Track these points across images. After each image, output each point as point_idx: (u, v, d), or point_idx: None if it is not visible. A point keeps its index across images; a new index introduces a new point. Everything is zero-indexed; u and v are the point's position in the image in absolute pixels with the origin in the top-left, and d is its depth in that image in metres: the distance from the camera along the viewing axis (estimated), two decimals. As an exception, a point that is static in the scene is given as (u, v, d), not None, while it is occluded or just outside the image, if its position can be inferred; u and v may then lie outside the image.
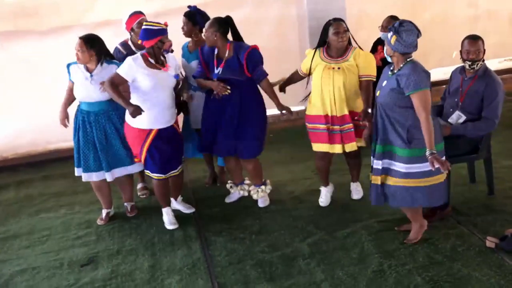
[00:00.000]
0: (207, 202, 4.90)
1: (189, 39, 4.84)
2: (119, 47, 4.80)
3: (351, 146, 4.34)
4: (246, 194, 4.81)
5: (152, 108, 4.15)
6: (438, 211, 4.15)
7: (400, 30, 3.48)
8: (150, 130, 4.21)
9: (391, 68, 3.70)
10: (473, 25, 7.23)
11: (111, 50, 4.59)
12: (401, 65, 3.59)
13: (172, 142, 4.33)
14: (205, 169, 5.39)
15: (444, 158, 3.63)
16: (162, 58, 4.20)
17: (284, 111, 4.41)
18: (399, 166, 3.68)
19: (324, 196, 4.67)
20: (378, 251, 3.84)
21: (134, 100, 4.17)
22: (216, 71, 4.40)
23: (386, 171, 3.75)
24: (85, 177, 4.48)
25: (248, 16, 6.32)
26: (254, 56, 4.36)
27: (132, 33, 4.75)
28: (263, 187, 4.72)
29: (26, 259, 4.23)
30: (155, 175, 4.35)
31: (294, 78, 4.60)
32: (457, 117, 4.14)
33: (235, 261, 3.92)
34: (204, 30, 4.39)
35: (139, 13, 4.74)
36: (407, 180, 3.67)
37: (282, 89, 4.65)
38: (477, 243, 3.82)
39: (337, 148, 4.37)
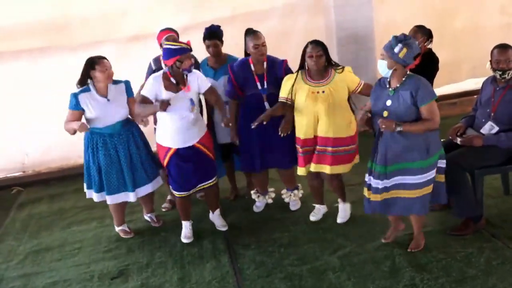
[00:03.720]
0: (235, 215, 4.89)
1: (204, 56, 4.83)
2: (152, 62, 4.79)
3: (320, 168, 4.25)
4: (271, 201, 4.87)
5: (169, 128, 4.17)
6: (472, 224, 4.06)
7: (409, 42, 3.51)
8: (169, 148, 4.23)
9: (387, 86, 3.67)
10: (506, 34, 7.05)
11: (144, 64, 4.61)
12: (403, 79, 3.60)
13: (192, 161, 4.25)
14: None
15: (443, 166, 3.76)
16: (184, 77, 4.14)
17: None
18: (413, 179, 3.68)
19: (317, 211, 4.61)
20: (409, 265, 3.77)
21: (158, 115, 4.23)
22: (262, 87, 4.41)
23: (393, 187, 3.75)
24: (111, 199, 4.48)
25: (275, 28, 6.32)
26: (289, 68, 4.47)
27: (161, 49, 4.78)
28: (295, 191, 4.78)
29: (58, 271, 4.29)
30: (174, 192, 4.39)
31: (279, 111, 4.26)
32: (489, 127, 4.05)
33: (264, 274, 3.90)
34: (262, 42, 4.35)
35: (169, 29, 4.65)
36: (421, 190, 3.71)
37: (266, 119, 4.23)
38: (513, 257, 3.73)
39: (313, 167, 4.30)
